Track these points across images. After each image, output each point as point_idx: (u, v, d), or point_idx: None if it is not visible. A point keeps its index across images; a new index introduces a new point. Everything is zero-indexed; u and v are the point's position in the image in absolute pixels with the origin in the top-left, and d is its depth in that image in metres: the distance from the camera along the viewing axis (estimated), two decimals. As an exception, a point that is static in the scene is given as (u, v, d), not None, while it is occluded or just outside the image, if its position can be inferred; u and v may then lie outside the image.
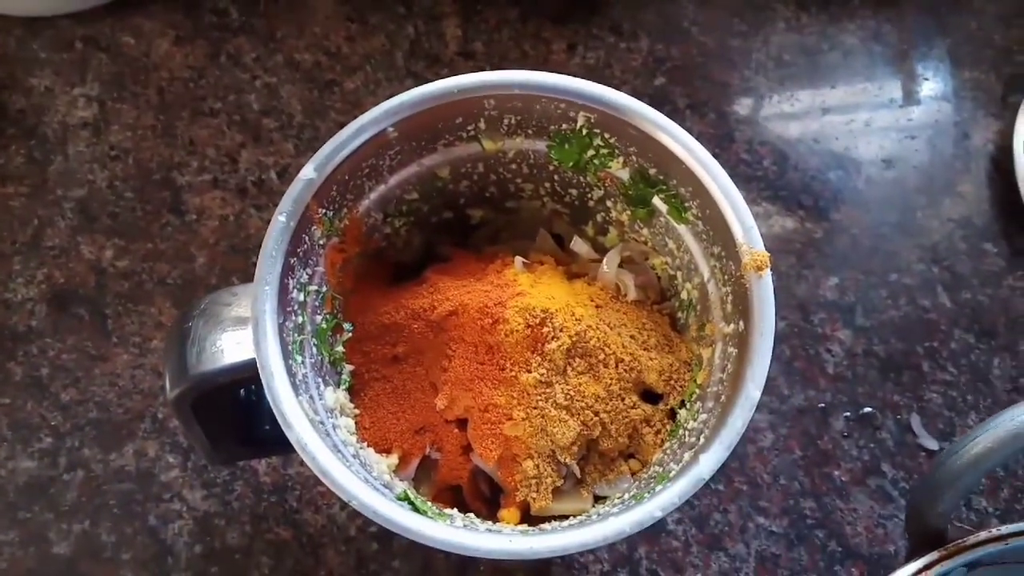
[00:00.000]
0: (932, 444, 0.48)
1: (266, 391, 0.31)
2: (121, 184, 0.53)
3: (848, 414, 0.48)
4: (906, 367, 0.50)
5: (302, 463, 0.31)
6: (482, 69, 0.57)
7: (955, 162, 0.56)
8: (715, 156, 0.36)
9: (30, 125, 0.54)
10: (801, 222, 0.53)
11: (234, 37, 0.58)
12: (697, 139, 0.36)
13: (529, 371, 0.35)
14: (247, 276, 0.51)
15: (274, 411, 0.31)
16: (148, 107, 0.55)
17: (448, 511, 0.35)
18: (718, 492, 0.46)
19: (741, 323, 0.33)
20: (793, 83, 0.58)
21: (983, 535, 0.34)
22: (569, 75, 0.37)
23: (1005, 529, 0.35)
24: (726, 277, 0.35)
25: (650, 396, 0.38)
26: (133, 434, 0.47)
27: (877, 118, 0.57)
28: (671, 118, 0.36)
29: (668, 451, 0.35)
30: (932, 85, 0.58)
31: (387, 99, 0.36)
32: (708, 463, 0.30)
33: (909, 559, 0.35)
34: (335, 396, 0.36)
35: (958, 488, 0.33)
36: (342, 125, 0.54)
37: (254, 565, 0.44)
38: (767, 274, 0.33)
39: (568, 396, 0.35)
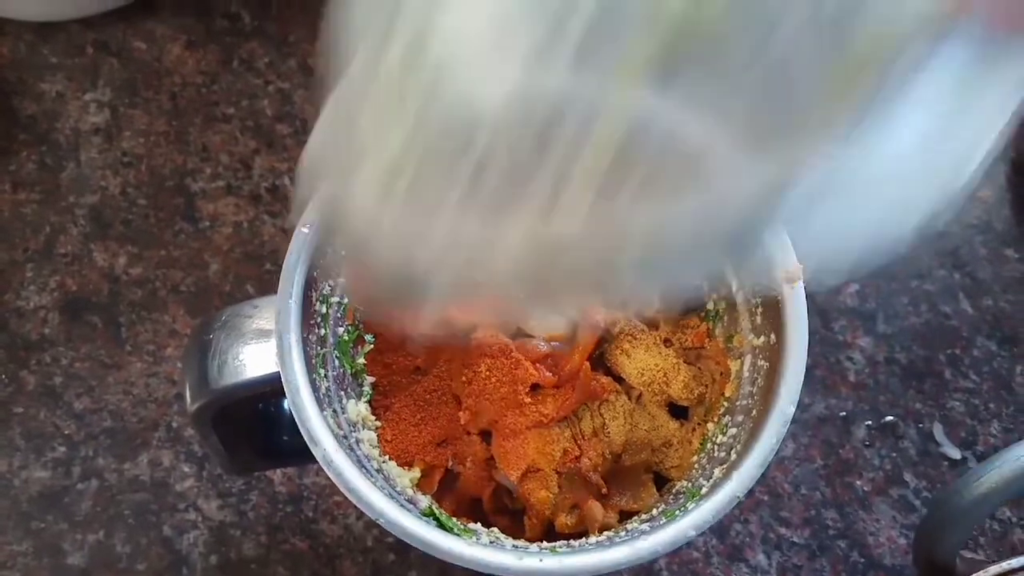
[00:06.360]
0: (955, 453, 0.47)
1: (291, 407, 0.31)
2: (134, 191, 0.53)
3: (870, 423, 0.48)
4: (928, 375, 0.49)
5: (318, 472, 0.31)
6: (497, 73, 0.57)
7: (974, 166, 0.55)
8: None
9: (41, 131, 0.54)
10: (820, 227, 0.53)
11: (246, 42, 0.57)
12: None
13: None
14: (261, 283, 0.50)
15: (300, 427, 0.30)
16: (160, 113, 0.55)
17: (473, 526, 0.34)
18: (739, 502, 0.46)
19: (772, 335, 0.33)
20: (810, 87, 0.57)
21: (993, 569, 0.33)
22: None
23: (1016, 562, 0.34)
24: (756, 288, 0.34)
25: (676, 408, 0.37)
26: (147, 443, 0.46)
27: (896, 122, 0.56)
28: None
29: (697, 466, 0.34)
30: (951, 88, 0.58)
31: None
32: (742, 480, 0.29)
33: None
34: (357, 409, 0.35)
35: (963, 526, 0.33)
36: (356, 130, 0.55)
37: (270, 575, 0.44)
38: (800, 286, 0.32)
39: (594, 410, 0.35)
